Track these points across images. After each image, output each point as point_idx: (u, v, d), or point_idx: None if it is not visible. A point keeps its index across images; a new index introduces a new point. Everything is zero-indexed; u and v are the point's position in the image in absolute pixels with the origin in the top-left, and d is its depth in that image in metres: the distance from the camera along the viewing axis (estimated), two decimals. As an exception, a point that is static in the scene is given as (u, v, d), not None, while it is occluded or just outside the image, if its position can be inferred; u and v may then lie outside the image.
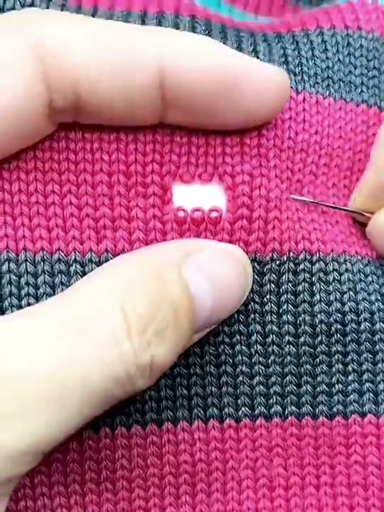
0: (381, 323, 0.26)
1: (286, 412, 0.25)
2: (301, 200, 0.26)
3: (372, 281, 0.27)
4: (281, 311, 0.25)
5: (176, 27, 0.26)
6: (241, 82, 0.23)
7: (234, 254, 0.25)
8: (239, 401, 0.25)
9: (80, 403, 0.20)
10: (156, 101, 0.23)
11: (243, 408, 0.25)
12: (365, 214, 0.27)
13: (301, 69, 0.26)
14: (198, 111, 0.24)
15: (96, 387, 0.20)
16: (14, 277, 0.24)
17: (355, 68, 0.27)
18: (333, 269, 0.26)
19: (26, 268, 0.24)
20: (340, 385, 0.26)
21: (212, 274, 0.23)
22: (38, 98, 0.22)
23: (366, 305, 0.26)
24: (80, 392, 0.19)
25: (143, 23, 0.26)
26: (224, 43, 0.25)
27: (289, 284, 0.25)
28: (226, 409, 0.25)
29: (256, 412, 0.25)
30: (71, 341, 0.20)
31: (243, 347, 0.25)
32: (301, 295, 0.25)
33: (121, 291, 0.21)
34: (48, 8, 0.25)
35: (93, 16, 0.26)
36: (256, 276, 0.25)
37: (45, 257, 0.24)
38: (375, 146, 0.27)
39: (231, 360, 0.25)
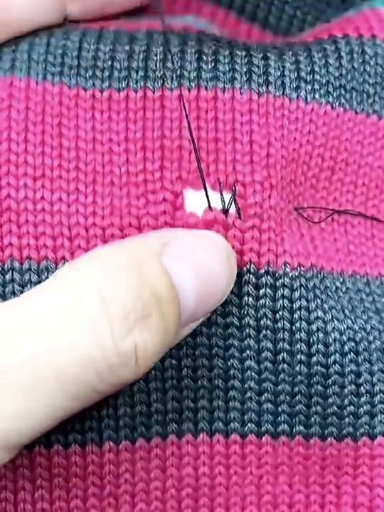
0: None
1: (293, 431, 0.25)
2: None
3: (375, 300, 0.26)
4: (294, 329, 0.25)
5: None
6: None
7: (215, 240, 0.24)
8: (245, 417, 0.25)
9: (56, 395, 0.19)
10: None
11: (249, 424, 0.25)
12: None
13: (313, 77, 0.26)
14: None
15: (73, 379, 0.19)
16: (18, 287, 0.24)
17: (369, 77, 0.27)
18: (339, 286, 0.26)
19: (30, 278, 0.24)
20: (352, 407, 0.25)
21: (195, 261, 0.22)
22: None
23: (374, 323, 0.26)
24: (55, 383, 0.19)
25: None
26: (232, 51, 0.25)
27: (302, 300, 0.25)
28: (232, 424, 0.25)
29: (262, 429, 0.25)
30: (46, 332, 0.19)
31: (253, 363, 0.25)
32: (315, 312, 0.25)
33: (99, 279, 0.20)
34: None
35: None
36: (269, 291, 0.25)
37: (49, 267, 0.24)
38: None
39: (240, 375, 0.25)
